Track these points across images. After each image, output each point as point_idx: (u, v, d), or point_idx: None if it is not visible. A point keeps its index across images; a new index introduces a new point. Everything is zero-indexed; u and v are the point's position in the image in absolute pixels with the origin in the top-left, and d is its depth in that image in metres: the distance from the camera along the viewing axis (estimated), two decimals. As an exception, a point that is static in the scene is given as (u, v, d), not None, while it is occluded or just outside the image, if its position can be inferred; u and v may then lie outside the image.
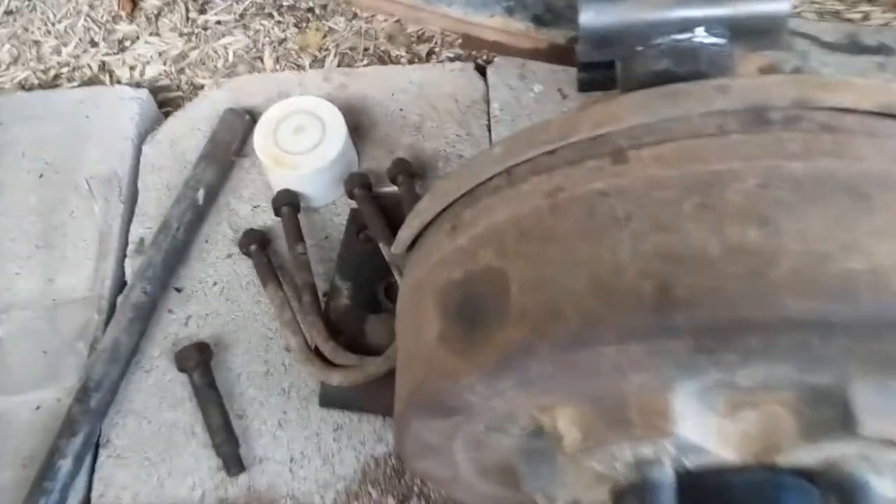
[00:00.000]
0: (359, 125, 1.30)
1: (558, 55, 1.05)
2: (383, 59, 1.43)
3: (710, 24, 0.88)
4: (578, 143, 0.63)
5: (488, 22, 0.98)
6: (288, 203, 1.17)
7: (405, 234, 0.75)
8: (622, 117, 0.62)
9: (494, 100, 1.30)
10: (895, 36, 1.21)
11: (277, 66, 1.49)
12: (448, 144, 1.27)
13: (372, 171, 1.26)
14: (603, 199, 0.58)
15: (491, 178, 0.67)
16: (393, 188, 1.20)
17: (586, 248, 0.54)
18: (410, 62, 1.38)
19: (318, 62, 1.47)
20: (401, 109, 1.30)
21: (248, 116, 1.28)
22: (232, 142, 1.24)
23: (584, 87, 1.04)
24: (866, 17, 1.51)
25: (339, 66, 1.45)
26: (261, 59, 1.51)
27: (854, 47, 1.18)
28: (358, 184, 1.18)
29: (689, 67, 0.87)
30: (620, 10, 0.89)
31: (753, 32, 0.89)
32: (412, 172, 1.20)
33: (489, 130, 1.28)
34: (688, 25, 0.88)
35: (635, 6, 0.88)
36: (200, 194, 1.19)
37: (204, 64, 1.53)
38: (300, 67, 1.47)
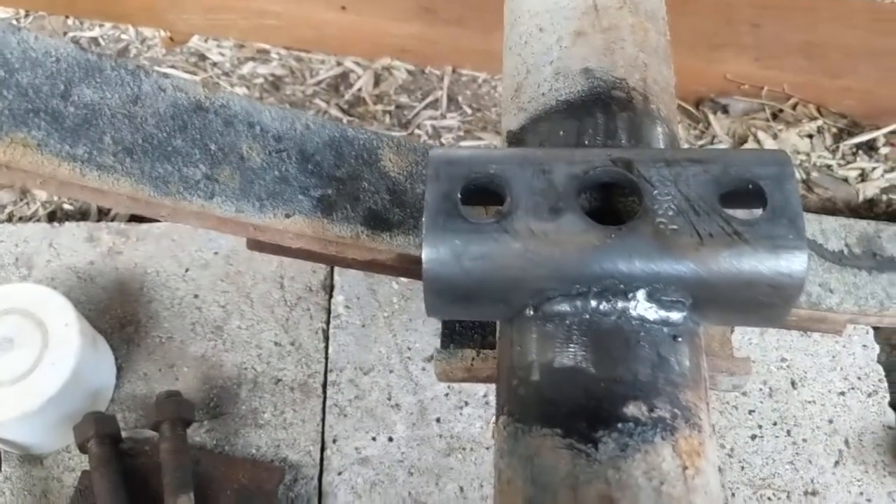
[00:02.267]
0: (128, 319, 0.85)
1: (416, 270, 0.64)
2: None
3: (659, 287, 0.46)
4: None
5: (283, 225, 0.56)
6: (-30, 466, 0.71)
7: None
8: None
9: (340, 290, 0.86)
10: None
11: (55, 198, 1.04)
12: (261, 359, 0.83)
13: (139, 398, 0.81)
14: None
15: None
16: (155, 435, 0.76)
17: None
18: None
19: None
20: (196, 296, 0.86)
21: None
22: (-89, 345, 0.78)
23: (451, 340, 0.62)
24: (864, 175, 1.13)
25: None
26: (37, 184, 1.06)
27: (872, 260, 0.78)
28: (93, 434, 0.73)
29: (615, 370, 0.45)
30: (492, 249, 0.46)
31: (736, 303, 0.47)
32: (184, 419, 0.75)
33: (326, 339, 0.84)
34: (616, 286, 0.46)
35: (522, 245, 0.46)
36: None
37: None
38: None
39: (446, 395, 0.82)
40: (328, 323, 0.85)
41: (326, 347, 0.83)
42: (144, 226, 0.91)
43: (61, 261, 0.87)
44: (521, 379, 0.48)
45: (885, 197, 1.12)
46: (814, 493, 0.77)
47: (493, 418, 0.51)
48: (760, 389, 0.82)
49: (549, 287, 0.48)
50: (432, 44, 1.20)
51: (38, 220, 0.95)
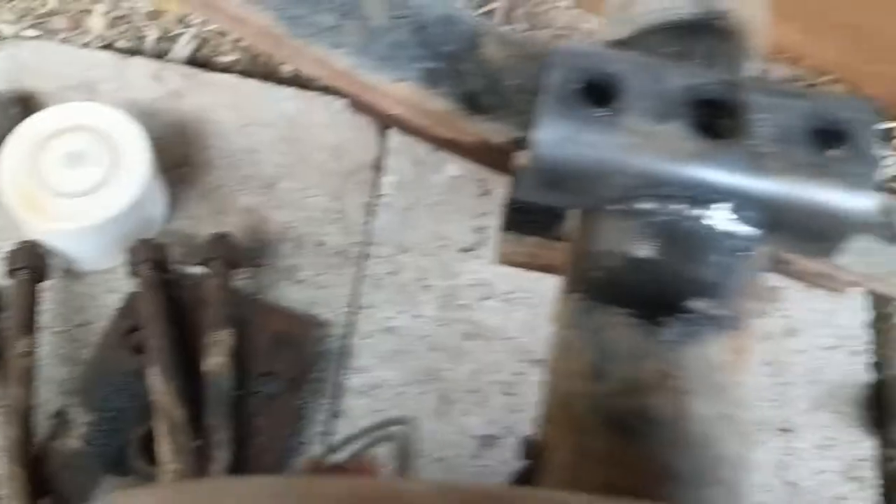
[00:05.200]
0: (184, 160, 0.88)
1: (490, 157, 0.68)
2: (258, 63, 1.01)
3: (742, 203, 0.51)
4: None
5: (391, 88, 0.59)
6: (27, 266, 0.75)
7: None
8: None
9: (390, 171, 0.90)
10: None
11: (109, 32, 1.04)
12: (307, 221, 0.87)
13: (185, 236, 0.85)
14: None
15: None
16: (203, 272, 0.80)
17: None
18: (294, 81, 0.97)
19: (166, 40, 1.04)
20: (254, 151, 0.89)
21: (19, 108, 0.84)
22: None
23: (514, 225, 0.66)
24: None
25: (194, 53, 1.02)
26: (89, 12, 1.06)
27: (888, 230, 0.84)
28: (146, 258, 0.77)
29: (688, 268, 0.51)
30: (601, 139, 0.51)
31: (803, 230, 0.53)
32: (232, 261, 0.79)
33: (371, 214, 0.88)
34: (705, 195, 0.51)
35: (628, 141, 0.51)
36: None
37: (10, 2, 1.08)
38: (139, 39, 1.04)
39: (473, 285, 0.87)
40: (375, 200, 0.89)
41: (370, 222, 0.87)
42: (213, 74, 0.93)
43: (125, 93, 0.89)
44: (597, 263, 0.53)
45: (892, 184, 1.18)
46: (787, 430, 0.85)
47: (558, 296, 0.56)
48: (759, 331, 0.89)
49: (641, 184, 0.52)
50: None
51: (126, 41, 0.96)
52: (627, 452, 0.48)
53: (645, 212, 0.53)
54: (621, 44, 0.61)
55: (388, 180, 0.90)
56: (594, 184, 0.54)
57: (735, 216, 0.53)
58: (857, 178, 0.52)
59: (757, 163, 0.51)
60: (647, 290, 0.51)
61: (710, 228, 0.53)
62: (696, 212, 0.52)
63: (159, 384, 0.72)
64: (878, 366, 0.91)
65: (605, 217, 0.55)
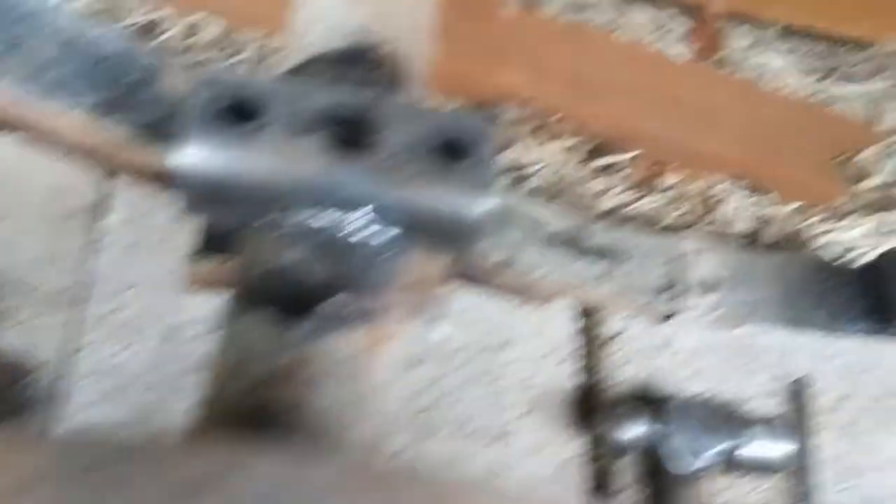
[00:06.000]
0: None
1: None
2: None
3: (378, 209, 0.56)
4: None
5: (62, 117, 0.61)
6: None
7: None
8: None
9: (113, 211, 0.91)
10: (630, 243, 0.99)
11: None
12: (23, 264, 0.86)
13: None
14: None
15: None
16: None
17: None
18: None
19: None
20: (-36, 195, 0.88)
21: None
22: None
23: (204, 247, 0.69)
24: (604, 192, 1.31)
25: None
26: None
27: (578, 246, 0.94)
28: None
29: (328, 269, 0.56)
30: (241, 154, 0.55)
31: (435, 231, 0.59)
32: (-67, 303, 0.77)
33: (95, 252, 0.88)
34: (342, 203, 0.56)
35: (267, 154, 0.55)
36: None
37: None
38: None
39: (201, 320, 0.89)
40: (100, 237, 0.89)
41: (94, 260, 0.88)
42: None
43: None
44: (248, 272, 0.57)
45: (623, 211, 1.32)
46: (505, 435, 0.92)
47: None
48: (476, 344, 0.96)
49: (288, 196, 0.57)
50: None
51: None
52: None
53: (295, 220, 0.58)
54: (292, 71, 0.67)
55: (111, 220, 0.90)
56: (244, 197, 0.58)
57: (373, 221, 0.58)
58: (477, 184, 0.58)
59: (385, 174, 0.57)
60: (289, 292, 0.56)
61: (349, 233, 0.58)
62: (337, 218, 0.58)
63: None
64: (585, 371, 1.00)
65: (264, 229, 0.59)
